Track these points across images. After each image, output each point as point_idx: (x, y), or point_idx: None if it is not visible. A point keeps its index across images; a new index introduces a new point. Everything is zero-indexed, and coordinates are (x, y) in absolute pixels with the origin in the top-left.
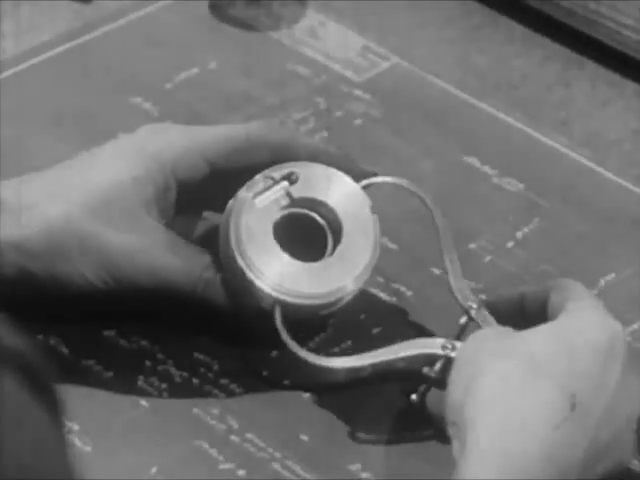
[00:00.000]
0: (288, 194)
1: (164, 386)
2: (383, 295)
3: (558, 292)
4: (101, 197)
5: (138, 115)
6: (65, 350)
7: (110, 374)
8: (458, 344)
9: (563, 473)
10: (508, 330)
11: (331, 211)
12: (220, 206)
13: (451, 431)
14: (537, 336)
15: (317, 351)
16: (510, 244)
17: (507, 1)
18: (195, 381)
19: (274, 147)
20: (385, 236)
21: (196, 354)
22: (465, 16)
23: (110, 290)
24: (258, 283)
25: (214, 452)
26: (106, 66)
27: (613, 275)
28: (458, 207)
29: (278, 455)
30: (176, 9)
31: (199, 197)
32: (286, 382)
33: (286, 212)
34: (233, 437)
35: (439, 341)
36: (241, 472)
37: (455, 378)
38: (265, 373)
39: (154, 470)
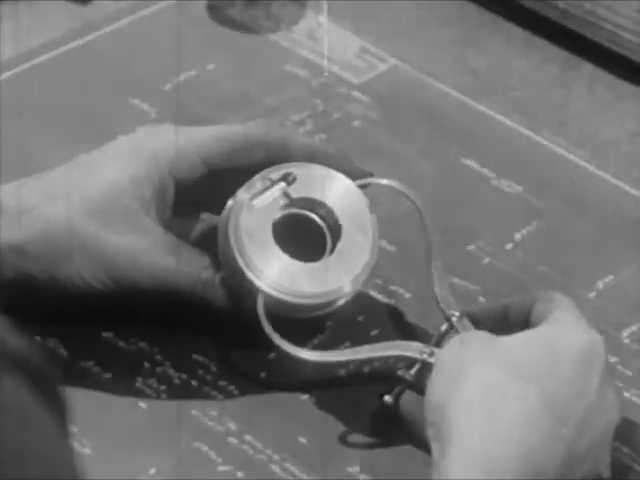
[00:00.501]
0: (286, 195)
1: (163, 388)
2: (381, 297)
3: (543, 303)
4: (100, 199)
5: (137, 116)
6: (63, 351)
7: (109, 376)
8: (436, 350)
9: (540, 476)
10: (491, 335)
11: (329, 211)
12: (217, 207)
13: (430, 432)
14: (520, 341)
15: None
16: (509, 246)
17: (505, 3)
18: (194, 383)
19: (271, 147)
20: (383, 238)
21: (195, 356)
22: (463, 18)
23: (109, 292)
24: (258, 283)
25: (213, 454)
26: (105, 67)
27: (611, 277)
28: (456, 209)
29: (276, 457)
30: (174, 10)
31: (196, 198)
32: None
33: (284, 212)
34: (231, 439)
35: (418, 345)
36: (239, 474)
37: (436, 379)
38: (263, 375)
39: (152, 472)
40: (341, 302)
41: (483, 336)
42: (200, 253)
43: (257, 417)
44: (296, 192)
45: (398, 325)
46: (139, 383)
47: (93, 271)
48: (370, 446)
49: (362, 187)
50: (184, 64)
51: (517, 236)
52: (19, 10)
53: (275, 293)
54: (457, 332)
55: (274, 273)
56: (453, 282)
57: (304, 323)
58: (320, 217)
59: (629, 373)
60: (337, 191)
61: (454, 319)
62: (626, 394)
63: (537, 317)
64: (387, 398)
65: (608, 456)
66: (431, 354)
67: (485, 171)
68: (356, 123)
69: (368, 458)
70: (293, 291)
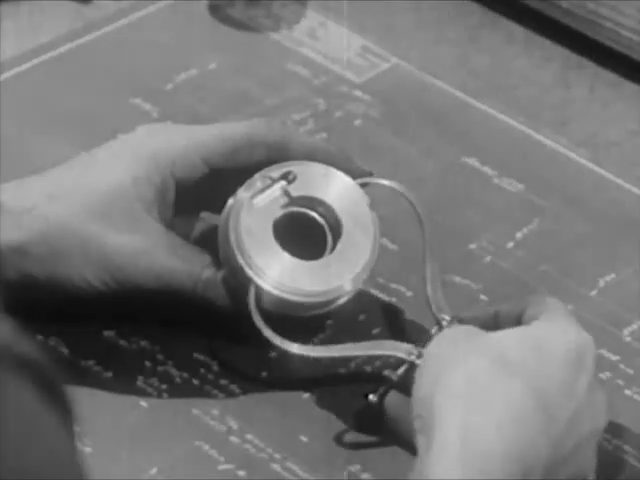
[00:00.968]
0: (286, 193)
1: (164, 387)
2: (382, 296)
3: (534, 307)
4: (101, 198)
5: (138, 116)
6: (65, 350)
7: (110, 374)
8: (424, 352)
9: (526, 474)
10: (479, 329)
11: (330, 209)
12: (218, 206)
13: (417, 424)
14: (510, 336)
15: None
16: (510, 244)
17: (507, 2)
18: (195, 382)
19: (272, 146)
20: (384, 236)
21: (196, 355)
22: (465, 17)
23: (110, 292)
24: (259, 281)
25: (214, 453)
26: (106, 67)
27: (613, 275)
28: (458, 208)
29: (278, 456)
30: (176, 10)
31: (197, 197)
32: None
33: (285, 211)
34: (233, 438)
35: (406, 346)
36: (241, 473)
37: (424, 371)
38: (264, 374)
39: (154, 471)
40: (342, 301)
41: (471, 330)
42: (201, 252)
43: (258, 416)
44: (296, 191)
45: (399, 324)
46: (140, 382)
47: (94, 271)
48: (370, 445)
49: (363, 186)
50: (185, 63)
51: (518, 235)
52: (20, 10)
53: (276, 291)
54: None
55: (275, 272)
56: (454, 281)
57: (305, 322)
58: (321, 215)
59: (630, 371)
60: (338, 189)
61: (444, 323)
62: (627, 392)
63: (528, 320)
64: (372, 397)
65: (594, 459)
66: (419, 356)
67: (486, 170)
68: (357, 122)
69: (369, 457)
70: (294, 289)
